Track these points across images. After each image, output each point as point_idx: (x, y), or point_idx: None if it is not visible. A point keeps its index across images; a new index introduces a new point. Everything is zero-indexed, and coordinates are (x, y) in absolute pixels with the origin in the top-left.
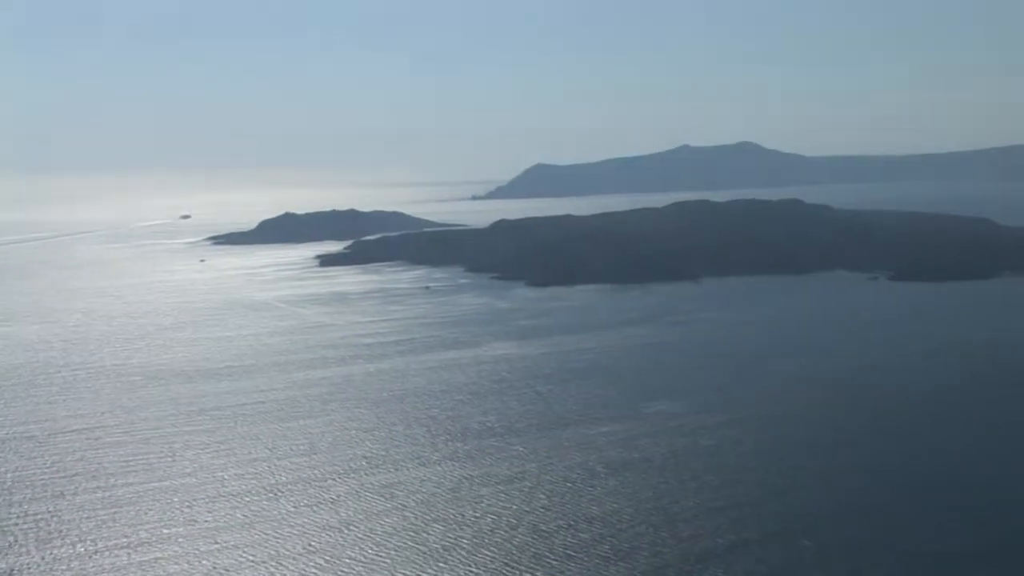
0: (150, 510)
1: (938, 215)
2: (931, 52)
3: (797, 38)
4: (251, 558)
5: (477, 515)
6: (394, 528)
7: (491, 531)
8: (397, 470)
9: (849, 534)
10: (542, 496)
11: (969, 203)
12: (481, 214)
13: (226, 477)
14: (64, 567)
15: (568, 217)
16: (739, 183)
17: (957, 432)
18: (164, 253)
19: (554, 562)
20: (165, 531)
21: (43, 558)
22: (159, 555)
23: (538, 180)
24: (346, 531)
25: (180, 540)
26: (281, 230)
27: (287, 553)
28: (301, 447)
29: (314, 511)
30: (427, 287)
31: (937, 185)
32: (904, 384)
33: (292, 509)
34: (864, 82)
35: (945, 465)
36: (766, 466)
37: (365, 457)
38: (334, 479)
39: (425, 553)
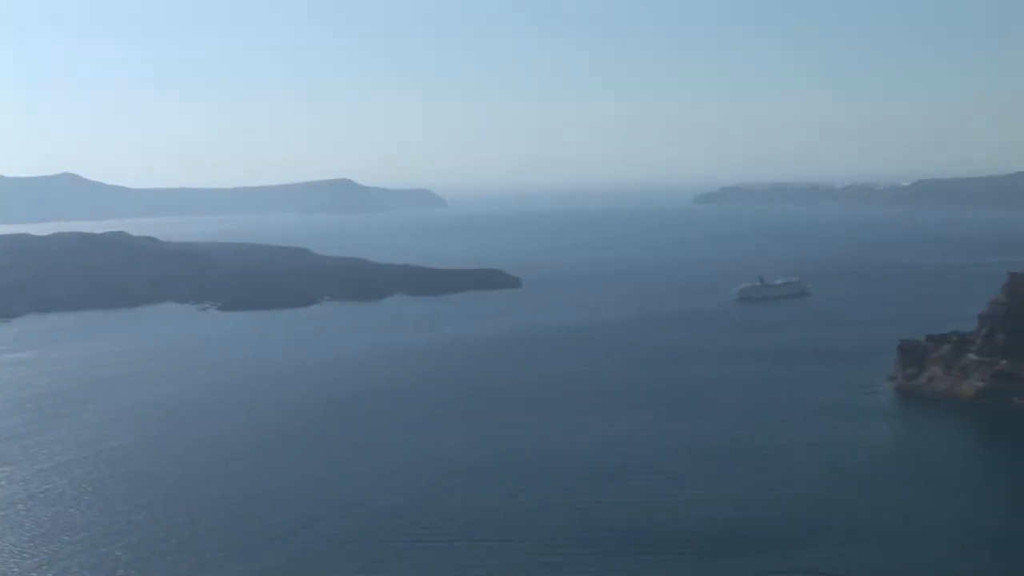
0: None
1: (262, 246)
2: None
3: (152, 74)
4: None
5: None
6: None
7: None
8: None
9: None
10: None
11: (287, 234)
12: None
13: None
14: None
15: None
16: (60, 215)
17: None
18: None
19: None
20: None
21: None
22: None
23: None
24: None
25: None
26: None
27: None
28: None
29: None
30: None
31: (258, 217)
32: (226, 415)
33: None
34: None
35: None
36: (103, 507)
37: None
38: None
39: None
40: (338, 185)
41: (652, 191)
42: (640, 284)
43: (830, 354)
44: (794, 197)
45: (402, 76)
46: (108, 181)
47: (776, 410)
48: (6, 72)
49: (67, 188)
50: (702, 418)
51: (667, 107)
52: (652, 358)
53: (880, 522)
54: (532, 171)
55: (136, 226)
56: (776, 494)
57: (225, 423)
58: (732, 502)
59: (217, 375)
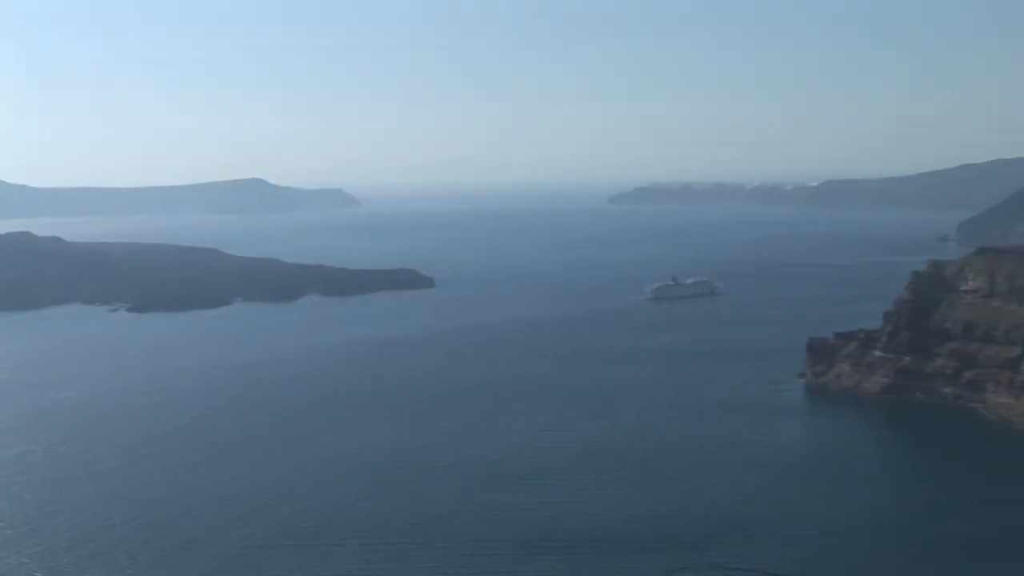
0: None
1: (172, 246)
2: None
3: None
4: None
5: None
6: None
7: None
8: None
9: None
10: None
11: (198, 234)
12: None
13: None
14: None
15: None
16: None
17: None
18: None
19: None
20: None
21: None
22: None
23: None
24: None
25: None
26: None
27: None
28: None
29: None
30: None
31: (166, 217)
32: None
33: None
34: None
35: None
36: (10, 515)
37: None
38: None
39: None
40: (250, 185)
41: (567, 191)
42: (554, 284)
43: (741, 352)
44: (705, 197)
45: (315, 75)
46: (11, 180)
47: (688, 408)
48: None
49: None
50: (611, 417)
51: (581, 109)
52: (565, 358)
53: (790, 518)
54: (448, 172)
55: (41, 226)
56: (687, 492)
57: (133, 428)
58: (643, 501)
59: (125, 378)
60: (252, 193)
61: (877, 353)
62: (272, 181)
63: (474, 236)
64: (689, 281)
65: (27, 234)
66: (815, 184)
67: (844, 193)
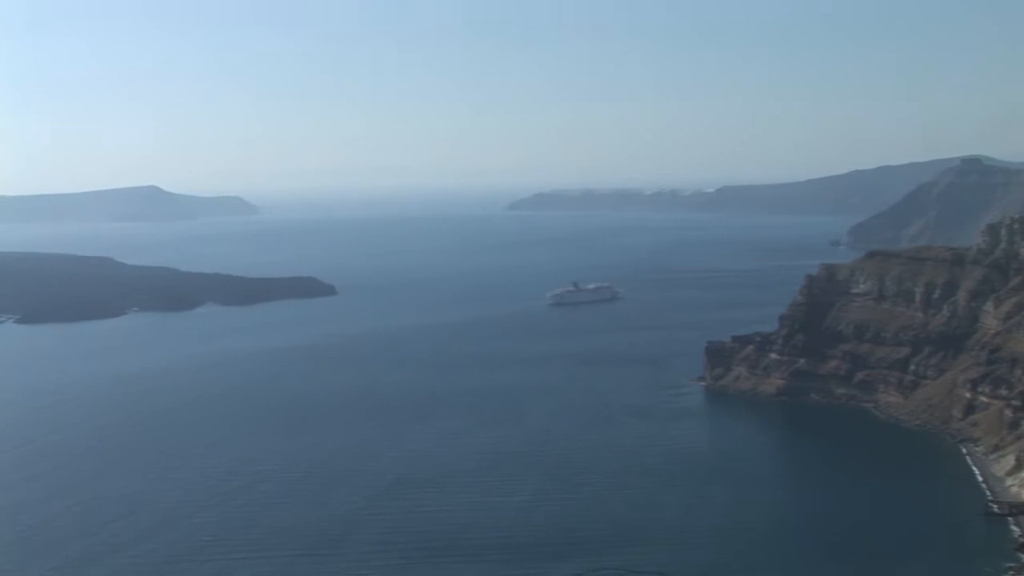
0: None
1: (63, 255)
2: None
3: None
4: None
5: None
6: None
7: None
8: None
9: None
10: None
11: (90, 242)
12: None
13: None
14: None
15: None
16: None
17: None
18: None
19: None
20: None
21: None
22: None
23: None
24: None
25: None
26: None
27: None
28: None
29: None
30: None
31: (56, 226)
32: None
33: None
34: None
35: None
36: None
37: None
38: None
39: None
40: (144, 192)
41: (468, 198)
42: (454, 290)
43: (642, 357)
44: (604, 203)
45: (210, 76)
46: None
47: (588, 414)
48: None
49: None
50: (514, 423)
51: (482, 115)
52: (465, 364)
53: (692, 521)
54: (351, 178)
55: None
56: (591, 497)
57: (20, 444)
58: (545, 507)
59: (11, 393)
60: (148, 201)
61: (773, 356)
62: (168, 189)
63: (375, 243)
64: (590, 287)
65: None
66: (712, 190)
67: (740, 198)
